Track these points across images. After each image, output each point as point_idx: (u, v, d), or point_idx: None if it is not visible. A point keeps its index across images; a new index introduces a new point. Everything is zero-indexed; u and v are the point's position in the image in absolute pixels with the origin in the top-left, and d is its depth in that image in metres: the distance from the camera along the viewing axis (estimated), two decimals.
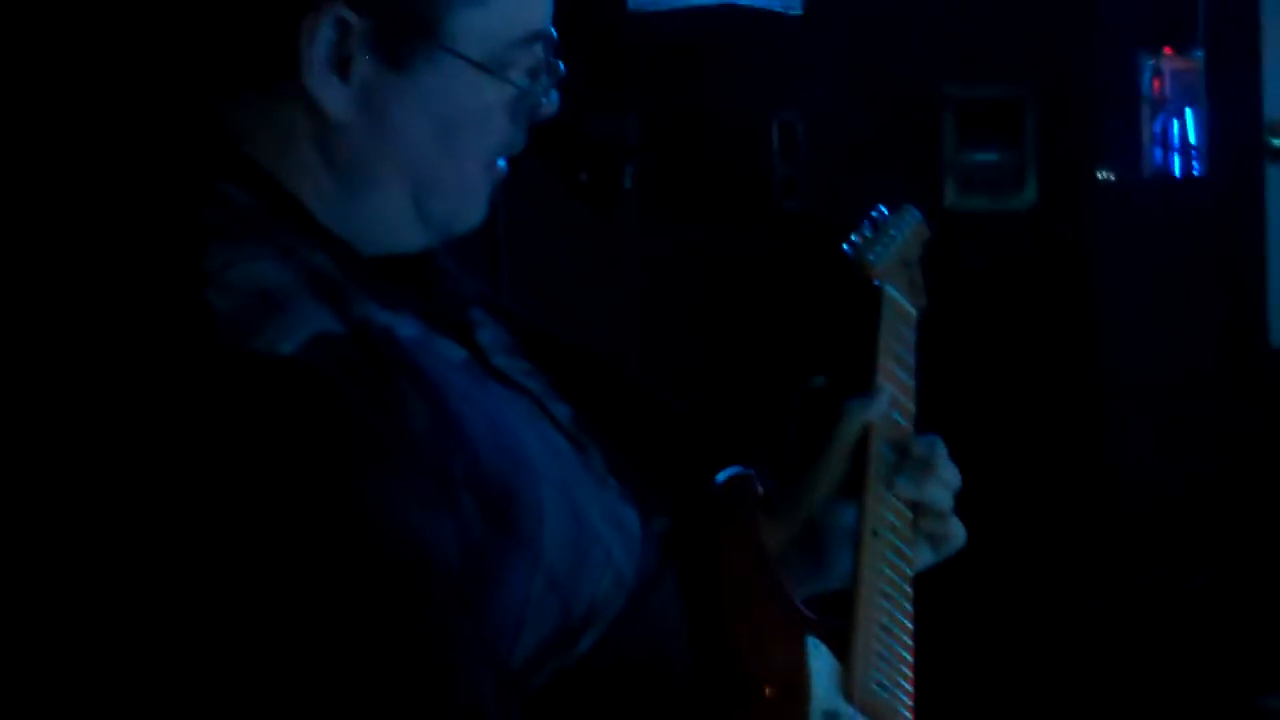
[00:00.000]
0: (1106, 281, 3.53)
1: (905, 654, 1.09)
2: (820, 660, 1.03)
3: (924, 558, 1.16)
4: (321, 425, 0.80)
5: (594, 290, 3.18)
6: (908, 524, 1.13)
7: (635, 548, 0.98)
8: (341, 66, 0.91)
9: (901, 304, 1.22)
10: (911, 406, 1.18)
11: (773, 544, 1.09)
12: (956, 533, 1.17)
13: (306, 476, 0.79)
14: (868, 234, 1.22)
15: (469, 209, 1.00)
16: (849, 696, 1.03)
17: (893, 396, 1.17)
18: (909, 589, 1.11)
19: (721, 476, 1.08)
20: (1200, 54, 3.46)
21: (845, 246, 1.21)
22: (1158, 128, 3.49)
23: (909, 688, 1.08)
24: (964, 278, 3.43)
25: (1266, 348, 3.85)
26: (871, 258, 1.21)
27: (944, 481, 1.15)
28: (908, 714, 1.07)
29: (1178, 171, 3.53)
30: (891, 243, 1.23)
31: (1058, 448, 3.53)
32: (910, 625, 1.10)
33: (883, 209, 1.27)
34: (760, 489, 1.08)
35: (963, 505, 1.21)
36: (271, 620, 0.77)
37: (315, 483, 0.79)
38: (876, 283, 1.20)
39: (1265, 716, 3.93)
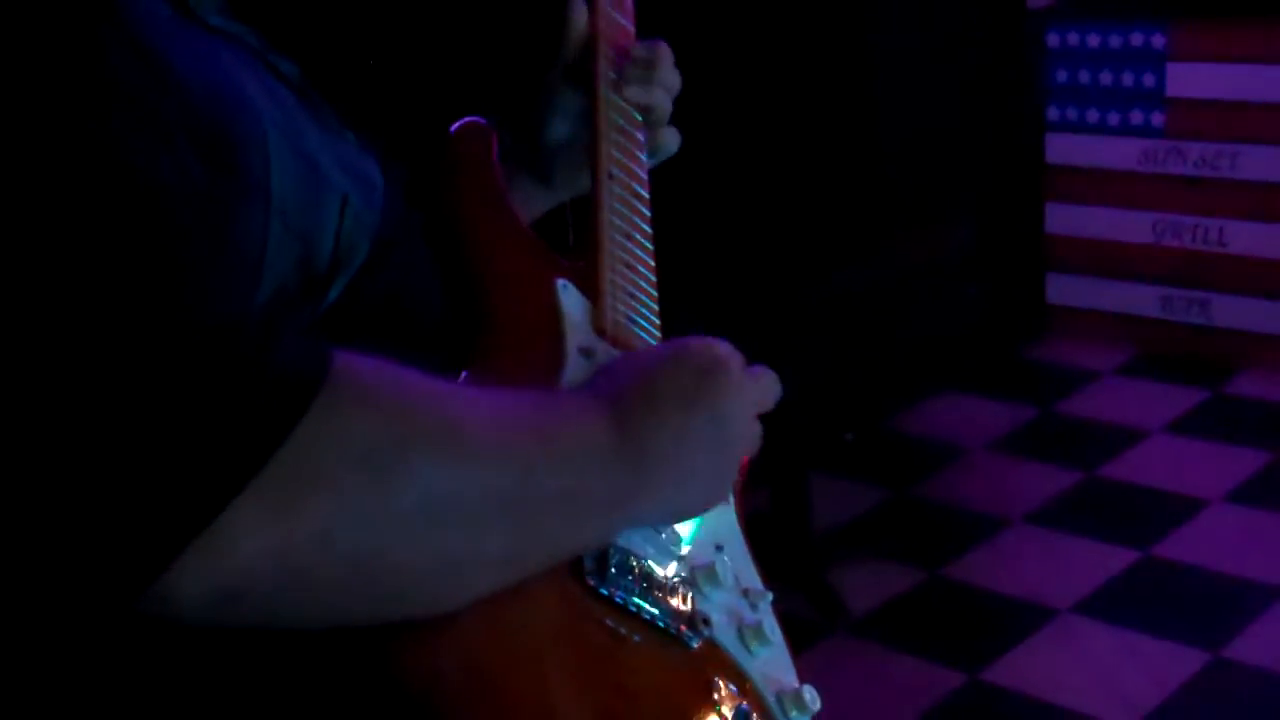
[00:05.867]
0: None
1: (649, 288, 1.14)
2: (571, 300, 1.06)
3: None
4: (11, 54, 0.73)
5: None
6: (640, 165, 1.17)
7: (377, 197, 0.97)
8: None
9: None
10: (634, 40, 1.22)
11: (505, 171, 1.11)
12: (670, 141, 1.23)
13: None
14: None
15: None
16: (600, 332, 1.06)
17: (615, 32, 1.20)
18: (648, 227, 1.16)
19: (456, 125, 1.10)
20: None
21: None
22: None
23: (655, 320, 1.13)
24: None
25: (1023, 9, 3.95)
26: None
27: (666, 85, 1.19)
28: (655, 343, 1.12)
29: None
30: None
31: (827, 115, 3.61)
32: (651, 261, 1.15)
33: None
34: (495, 135, 1.11)
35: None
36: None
37: (12, 109, 0.72)
38: None
39: (1026, 366, 4.20)
